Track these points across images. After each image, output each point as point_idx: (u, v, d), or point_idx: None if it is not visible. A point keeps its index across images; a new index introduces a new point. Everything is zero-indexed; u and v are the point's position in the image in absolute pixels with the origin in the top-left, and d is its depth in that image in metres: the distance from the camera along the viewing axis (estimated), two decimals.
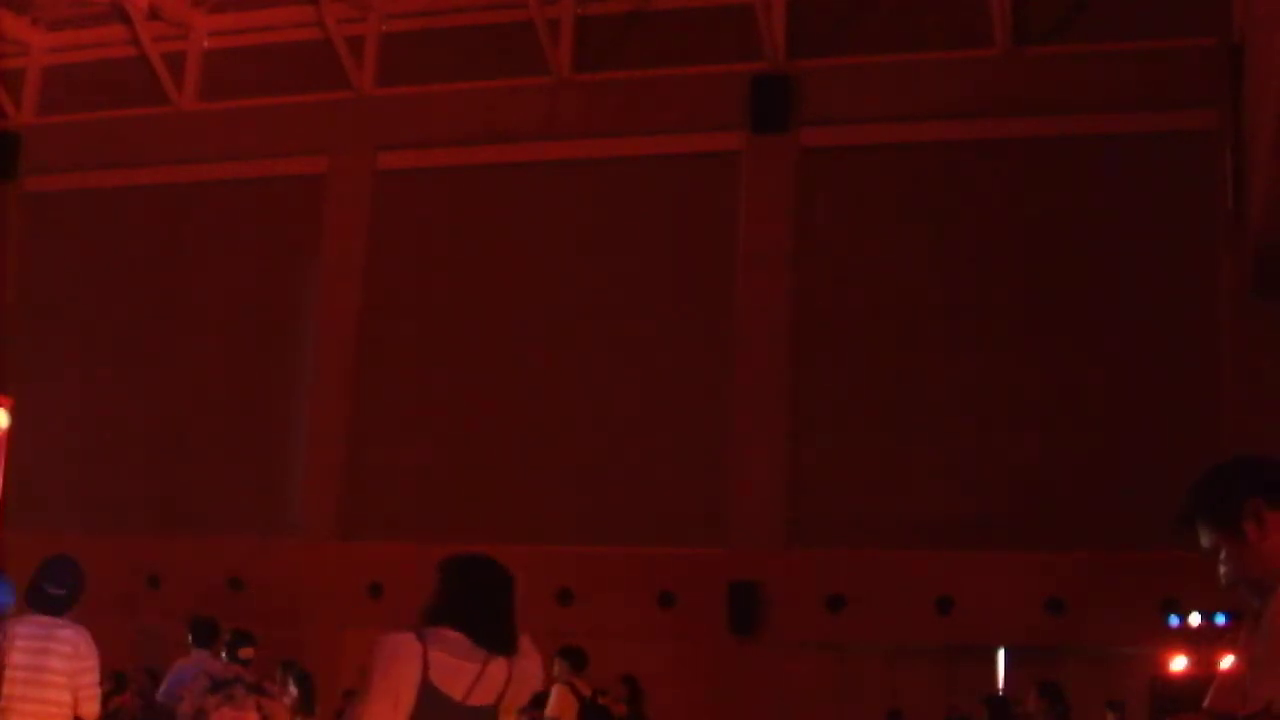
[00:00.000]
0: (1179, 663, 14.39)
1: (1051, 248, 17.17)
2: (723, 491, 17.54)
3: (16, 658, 7.38)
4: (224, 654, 10.83)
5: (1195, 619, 14.60)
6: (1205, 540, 3.25)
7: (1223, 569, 3.22)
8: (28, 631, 7.46)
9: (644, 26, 18.92)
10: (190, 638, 11.28)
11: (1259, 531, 3.13)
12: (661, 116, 18.56)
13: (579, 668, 12.30)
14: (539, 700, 11.64)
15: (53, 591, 7.55)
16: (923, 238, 17.48)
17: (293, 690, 11.42)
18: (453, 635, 4.35)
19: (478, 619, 4.38)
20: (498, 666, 4.38)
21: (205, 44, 20.75)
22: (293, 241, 20.05)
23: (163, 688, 11.07)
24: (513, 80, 19.12)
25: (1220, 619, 14.19)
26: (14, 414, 9.90)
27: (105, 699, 8.61)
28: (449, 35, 19.62)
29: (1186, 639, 14.55)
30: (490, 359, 18.70)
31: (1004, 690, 15.83)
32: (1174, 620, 14.81)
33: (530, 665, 4.56)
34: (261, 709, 10.48)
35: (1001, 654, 16.58)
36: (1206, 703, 6.03)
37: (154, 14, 20.20)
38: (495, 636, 4.38)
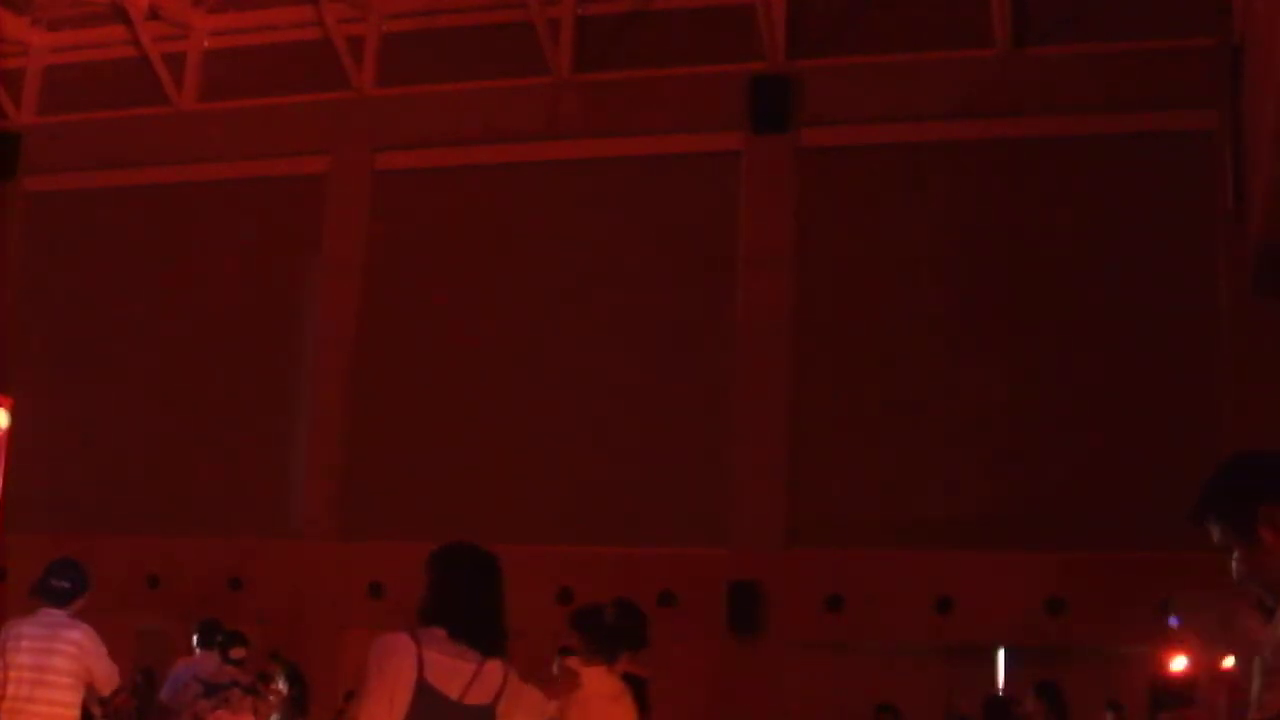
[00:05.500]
0: (1179, 663, 14.38)
1: (1051, 248, 17.16)
2: (723, 491, 17.53)
3: (23, 659, 7.41)
4: (218, 655, 10.88)
5: None
6: (1218, 538, 3.23)
7: (1235, 568, 3.20)
8: (33, 632, 7.50)
9: (644, 26, 18.92)
10: (195, 639, 11.32)
11: (1274, 537, 3.12)
12: (661, 116, 18.55)
13: None
14: None
15: (57, 584, 7.60)
16: (923, 238, 17.48)
17: (282, 688, 11.45)
18: (444, 634, 4.36)
19: (466, 619, 4.38)
20: (494, 666, 4.38)
21: (205, 44, 20.74)
22: (293, 241, 20.04)
23: (165, 688, 11.10)
24: (513, 80, 19.11)
25: None
26: (14, 414, 9.91)
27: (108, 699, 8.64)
28: (449, 35, 19.62)
29: (1187, 639, 14.53)
30: (490, 359, 18.70)
31: (1004, 690, 15.83)
32: (1174, 620, 14.79)
33: (527, 694, 4.55)
34: (257, 710, 10.51)
35: (1001, 654, 16.58)
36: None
37: (154, 14, 20.20)
38: (483, 637, 4.39)
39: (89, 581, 7.76)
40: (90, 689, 7.65)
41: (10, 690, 7.38)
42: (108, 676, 7.60)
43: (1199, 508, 3.24)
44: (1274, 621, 3.04)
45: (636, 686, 7.77)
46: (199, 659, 11.12)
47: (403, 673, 4.26)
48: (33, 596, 7.65)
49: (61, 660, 7.45)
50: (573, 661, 7.07)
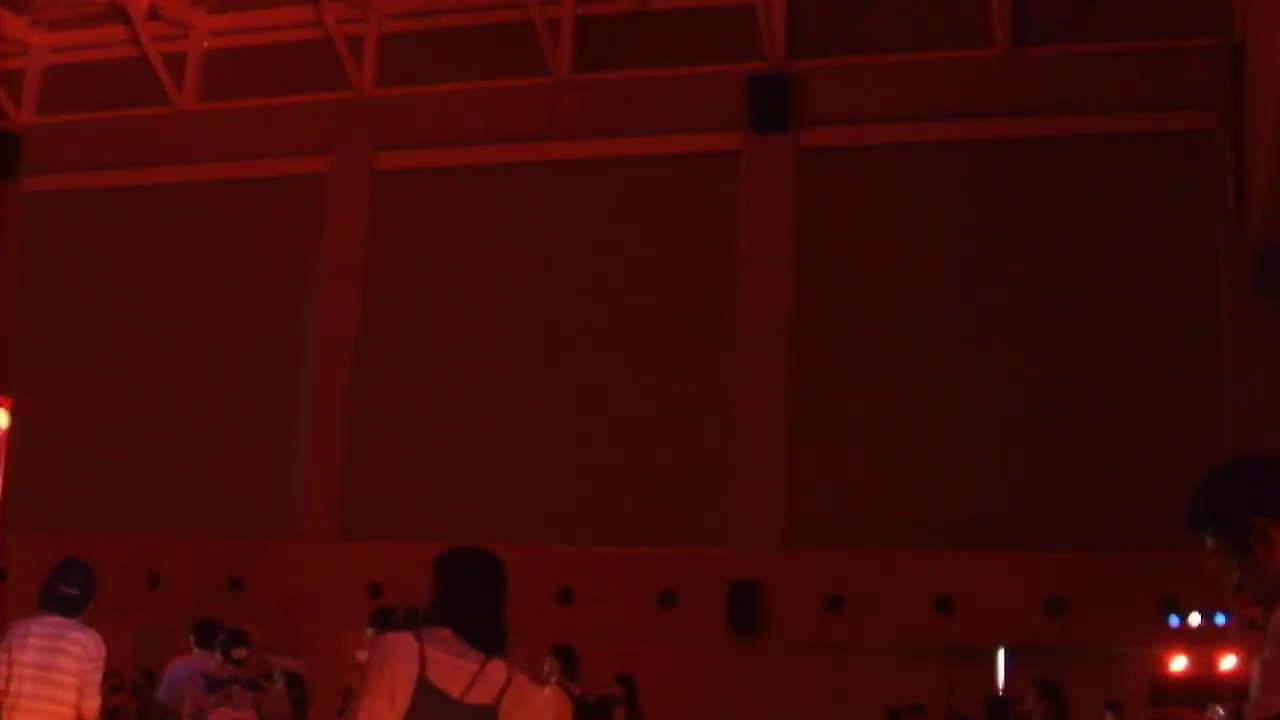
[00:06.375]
0: (1179, 663, 14.39)
1: (1051, 248, 17.17)
2: (723, 491, 17.54)
3: (29, 656, 7.40)
4: (219, 654, 10.86)
5: (1195, 619, 14.61)
6: (1211, 547, 3.22)
7: (1230, 577, 3.19)
8: (41, 631, 7.49)
9: (644, 26, 18.92)
10: (192, 638, 11.31)
11: (1266, 550, 3.11)
12: (661, 116, 18.56)
13: (571, 667, 12.27)
14: None
15: (66, 592, 7.56)
16: (923, 238, 17.48)
17: (281, 688, 11.46)
18: (449, 634, 4.38)
19: (469, 620, 4.41)
20: (496, 667, 4.40)
21: (205, 44, 20.76)
22: (293, 241, 20.05)
23: (162, 687, 11.09)
24: (513, 80, 19.12)
25: (1220, 619, 14.20)
26: (14, 414, 9.91)
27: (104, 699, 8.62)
28: (449, 35, 19.63)
29: (1186, 639, 14.55)
30: (490, 359, 18.70)
31: (1004, 690, 15.84)
32: (1174, 620, 14.81)
33: (532, 697, 4.57)
34: (260, 707, 10.51)
35: (1001, 654, 16.59)
36: None
37: (154, 14, 20.22)
38: (485, 637, 4.41)
39: (96, 585, 7.74)
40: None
41: (12, 687, 7.37)
42: (90, 691, 7.52)
43: (1190, 518, 3.22)
44: (1272, 623, 3.04)
45: None
46: (196, 657, 11.11)
47: (404, 671, 4.29)
48: (41, 604, 7.59)
49: (68, 660, 7.44)
50: (362, 656, 7.63)
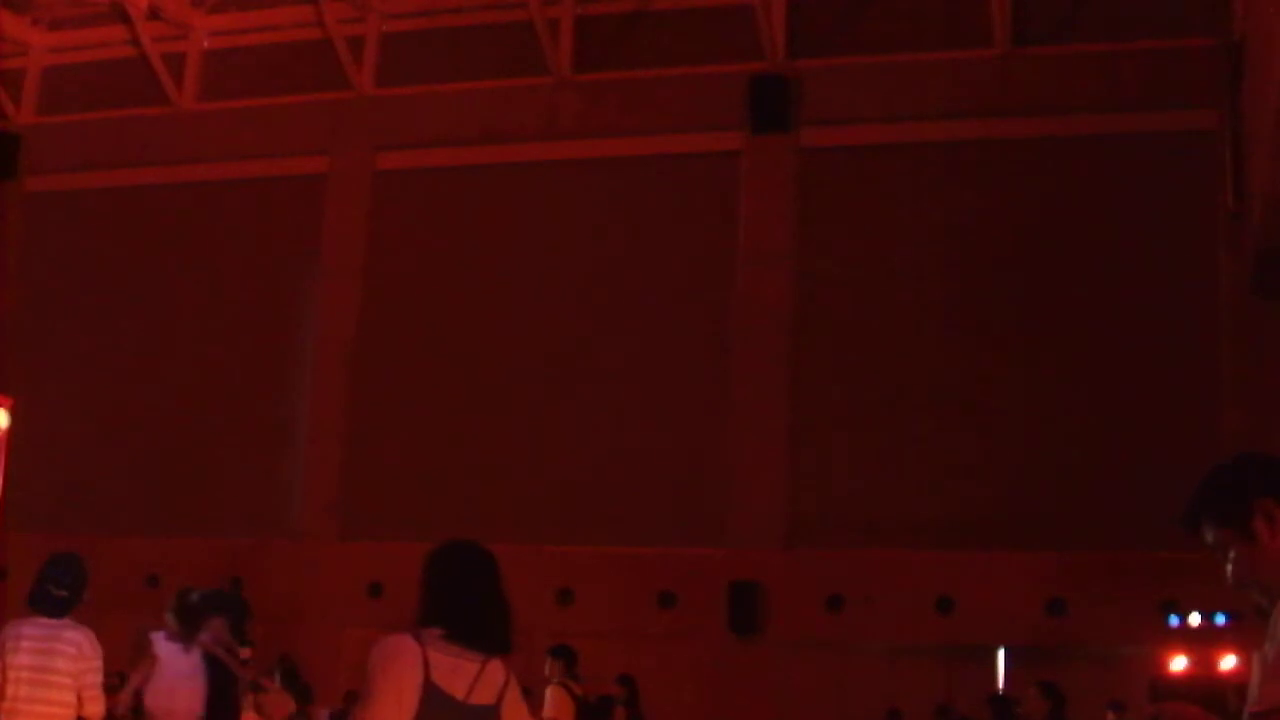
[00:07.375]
0: (1179, 663, 14.39)
1: (1051, 247, 17.16)
2: (723, 491, 17.53)
3: (22, 659, 7.37)
4: None
5: (1195, 619, 14.61)
6: (1212, 540, 3.20)
7: (1230, 569, 3.17)
8: (34, 633, 7.46)
9: (644, 26, 18.92)
10: None
11: (1270, 532, 3.09)
12: (661, 116, 18.55)
13: (571, 667, 12.29)
14: None
15: (56, 593, 7.53)
16: (922, 237, 17.48)
17: (277, 686, 11.46)
18: (444, 634, 4.34)
19: (463, 619, 4.36)
20: (495, 667, 4.38)
21: (205, 44, 20.75)
22: (293, 241, 20.04)
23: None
24: (513, 80, 19.12)
25: (1220, 619, 14.20)
26: (14, 414, 9.90)
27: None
28: (449, 35, 19.62)
29: (1186, 639, 14.56)
30: (490, 358, 18.70)
31: (1004, 690, 15.84)
32: (1174, 620, 14.81)
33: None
34: (260, 707, 10.50)
35: (1001, 654, 16.58)
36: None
37: (154, 14, 20.20)
38: (481, 636, 4.37)
39: (87, 581, 7.70)
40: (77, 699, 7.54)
41: (9, 690, 7.35)
42: (93, 694, 7.49)
43: (1192, 510, 3.21)
44: (1274, 617, 3.03)
45: (218, 669, 8.48)
46: None
47: (408, 674, 4.24)
48: (31, 606, 7.57)
49: (63, 661, 7.41)
50: (156, 637, 7.84)
